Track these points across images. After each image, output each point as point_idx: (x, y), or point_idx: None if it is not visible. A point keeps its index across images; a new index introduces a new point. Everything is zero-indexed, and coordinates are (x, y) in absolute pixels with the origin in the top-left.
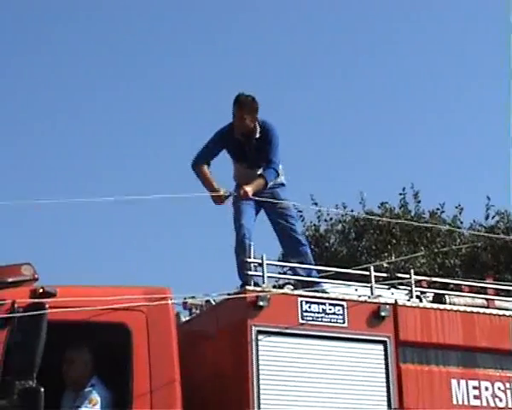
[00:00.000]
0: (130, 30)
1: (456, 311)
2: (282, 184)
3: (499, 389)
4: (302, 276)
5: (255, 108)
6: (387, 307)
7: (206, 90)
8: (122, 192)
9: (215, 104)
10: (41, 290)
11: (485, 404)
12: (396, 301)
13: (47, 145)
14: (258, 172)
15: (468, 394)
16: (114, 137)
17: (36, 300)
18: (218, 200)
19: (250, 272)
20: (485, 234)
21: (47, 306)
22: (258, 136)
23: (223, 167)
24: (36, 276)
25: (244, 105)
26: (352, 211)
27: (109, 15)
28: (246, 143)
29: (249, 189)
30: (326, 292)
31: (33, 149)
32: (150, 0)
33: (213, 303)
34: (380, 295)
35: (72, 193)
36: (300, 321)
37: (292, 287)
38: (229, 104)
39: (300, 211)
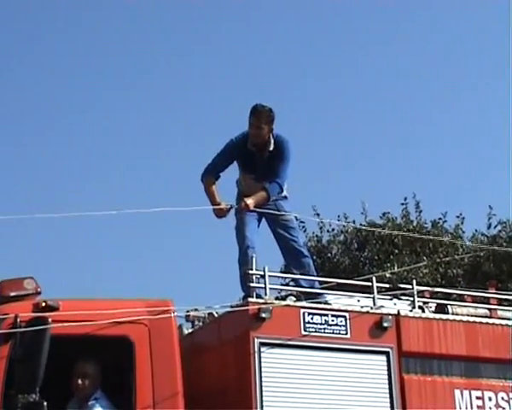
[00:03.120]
0: (131, 32)
1: (458, 321)
2: (285, 197)
3: (502, 399)
4: (304, 287)
5: (272, 118)
6: (390, 317)
7: (206, 94)
8: (120, 203)
9: (214, 107)
10: (44, 304)
11: None
12: (398, 311)
13: (46, 156)
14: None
15: (471, 404)
16: (110, 143)
17: (38, 314)
18: (220, 213)
19: (252, 284)
20: (487, 245)
21: (50, 320)
22: (271, 149)
23: (231, 175)
24: (38, 290)
25: (262, 114)
26: (353, 222)
27: (110, 16)
28: (258, 155)
29: (250, 201)
30: (328, 303)
31: (31, 159)
32: (153, 1)
33: (216, 315)
34: (382, 306)
35: (73, 204)
36: (303, 333)
37: (294, 298)
38: (227, 109)
39: (303, 222)
